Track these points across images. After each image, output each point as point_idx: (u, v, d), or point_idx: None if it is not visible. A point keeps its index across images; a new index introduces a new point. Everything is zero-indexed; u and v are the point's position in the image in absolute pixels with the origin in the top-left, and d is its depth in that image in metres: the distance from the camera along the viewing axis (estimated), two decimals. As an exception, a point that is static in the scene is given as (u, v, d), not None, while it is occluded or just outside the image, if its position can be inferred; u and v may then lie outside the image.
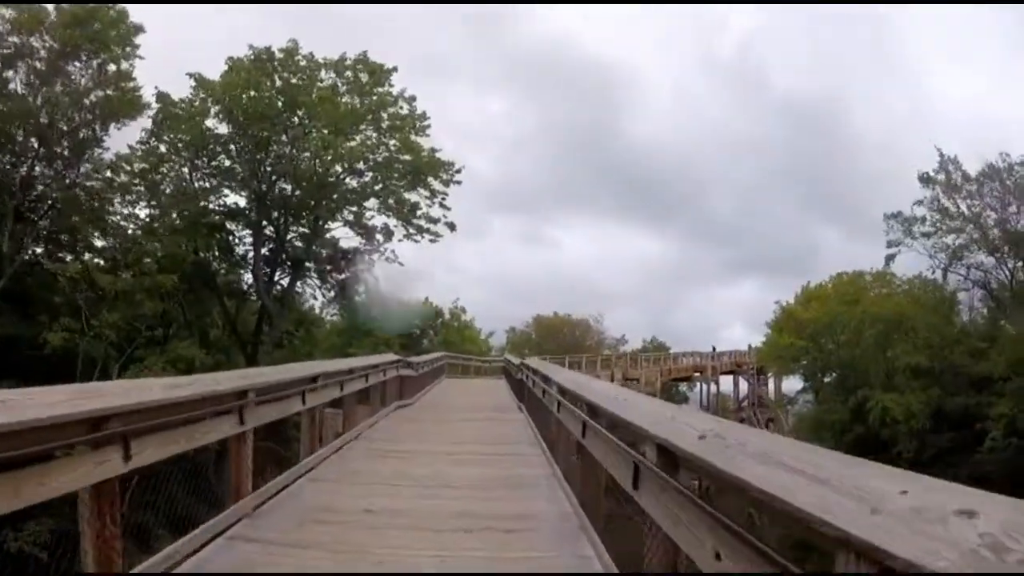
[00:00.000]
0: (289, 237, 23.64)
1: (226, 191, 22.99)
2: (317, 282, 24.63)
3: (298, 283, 24.45)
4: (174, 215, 21.72)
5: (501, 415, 13.16)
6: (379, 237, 24.34)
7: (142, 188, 21.75)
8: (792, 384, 47.34)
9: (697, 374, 47.73)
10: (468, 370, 30.67)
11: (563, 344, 51.87)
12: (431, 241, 25.10)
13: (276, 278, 24.17)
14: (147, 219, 22.04)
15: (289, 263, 23.36)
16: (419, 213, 24.74)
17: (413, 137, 23.70)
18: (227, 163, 22.50)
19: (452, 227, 24.87)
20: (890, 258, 31.57)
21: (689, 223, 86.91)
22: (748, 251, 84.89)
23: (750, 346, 48.64)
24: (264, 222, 23.08)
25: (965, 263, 29.55)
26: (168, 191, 22.25)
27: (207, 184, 22.71)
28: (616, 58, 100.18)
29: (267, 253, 23.88)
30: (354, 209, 23.47)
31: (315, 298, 25.49)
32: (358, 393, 10.08)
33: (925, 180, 29.73)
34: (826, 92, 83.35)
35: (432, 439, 10.05)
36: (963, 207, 29.41)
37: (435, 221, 25.00)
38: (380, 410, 11.93)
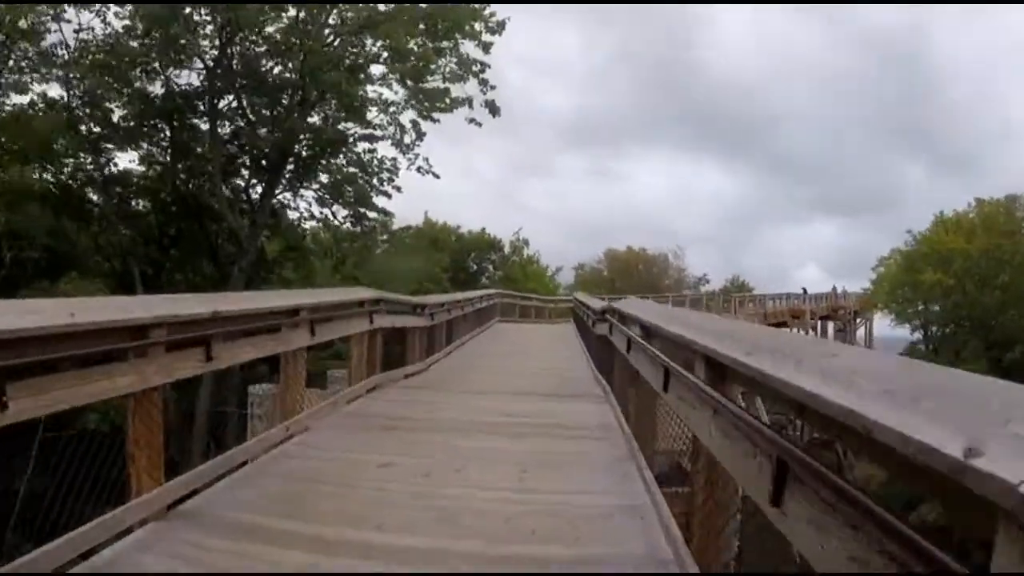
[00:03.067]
0: (261, 131, 17.95)
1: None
2: (314, 193, 18.97)
3: (286, 194, 18.99)
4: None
5: (567, 408, 7.10)
6: (401, 130, 18.54)
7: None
8: (886, 333, 41.15)
9: (794, 319, 41.31)
10: (528, 312, 25.33)
11: (638, 282, 46.11)
12: (471, 121, 18.55)
13: (251, 182, 18.83)
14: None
15: (263, 161, 18.08)
16: (441, 80, 18.14)
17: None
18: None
19: (494, 110, 18.33)
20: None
21: (764, 160, 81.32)
22: (824, 189, 78.98)
23: (834, 288, 42.81)
24: (223, 99, 17.47)
25: None
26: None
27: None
28: None
29: (232, 147, 18.37)
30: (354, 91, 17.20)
31: (316, 217, 19.76)
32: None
33: None
34: (910, 20, 73.69)
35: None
36: None
37: (461, 103, 18.40)
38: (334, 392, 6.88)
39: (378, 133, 18.69)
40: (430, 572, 2.99)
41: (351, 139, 18.26)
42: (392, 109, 18.60)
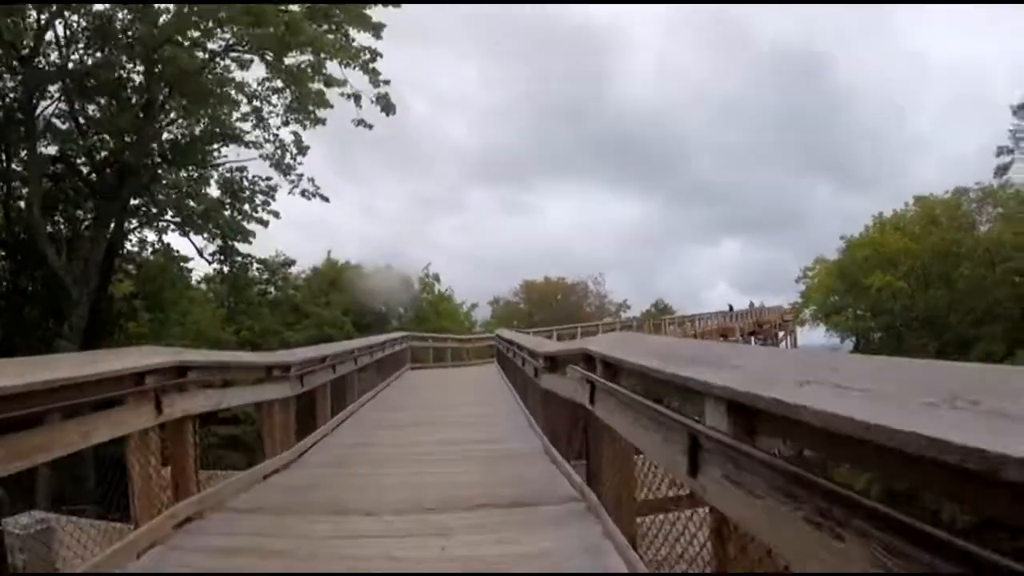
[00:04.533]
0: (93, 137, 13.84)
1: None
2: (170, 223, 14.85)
3: (146, 230, 15.00)
4: None
5: (530, 548, 3.73)
6: (280, 146, 15.05)
7: None
8: (809, 341, 41.24)
9: (722, 337, 40.05)
10: (443, 355, 22.06)
11: (558, 313, 43.73)
12: (359, 123, 15.08)
13: (83, 211, 14.24)
14: None
15: (94, 180, 13.81)
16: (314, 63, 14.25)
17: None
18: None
19: (387, 107, 14.55)
20: (1002, 169, 23.62)
21: (671, 185, 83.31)
22: (731, 210, 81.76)
23: (751, 304, 42.74)
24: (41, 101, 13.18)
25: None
26: None
27: None
28: (596, 19, 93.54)
29: (57, 167, 13.87)
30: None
31: (172, 253, 15.64)
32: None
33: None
34: (809, 44, 78.46)
35: None
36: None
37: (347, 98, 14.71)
38: None
39: (250, 146, 15.16)
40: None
41: (212, 151, 14.56)
42: (267, 113, 15.10)
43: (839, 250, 33.15)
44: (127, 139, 13.08)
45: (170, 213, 15.05)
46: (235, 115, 14.56)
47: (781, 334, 44.37)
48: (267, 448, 6.29)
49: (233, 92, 14.27)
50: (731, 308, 42.72)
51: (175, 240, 15.38)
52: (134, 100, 13.47)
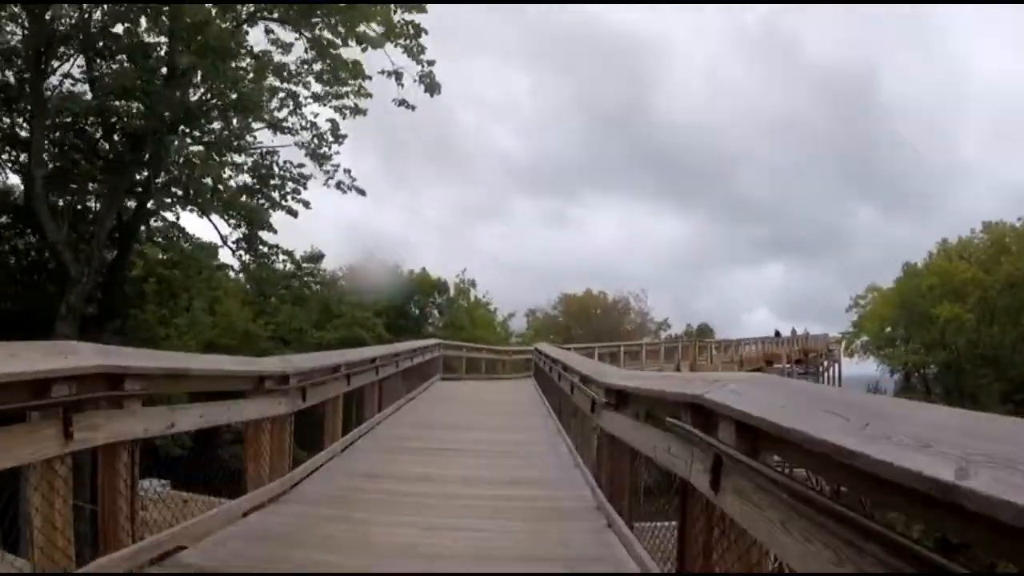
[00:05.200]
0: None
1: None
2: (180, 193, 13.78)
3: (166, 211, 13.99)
4: None
5: None
6: (316, 132, 14.03)
7: None
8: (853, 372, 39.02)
9: (768, 364, 37.99)
10: (476, 366, 20.72)
11: (597, 329, 42.10)
12: (400, 103, 13.86)
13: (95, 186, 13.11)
14: None
15: (108, 147, 12.71)
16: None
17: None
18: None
19: (432, 87, 13.45)
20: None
21: (715, 203, 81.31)
22: (773, 232, 79.19)
23: (793, 331, 39.78)
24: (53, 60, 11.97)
25: None
26: None
27: None
28: (645, 32, 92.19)
29: (68, 134, 12.72)
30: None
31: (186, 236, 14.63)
32: None
33: None
34: (858, 65, 76.02)
35: None
36: None
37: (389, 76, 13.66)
38: None
39: (284, 131, 14.13)
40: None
41: (236, 130, 13.48)
42: (304, 99, 14.05)
43: (896, 279, 31.16)
44: (144, 107, 12.05)
45: (186, 192, 13.93)
46: (264, 93, 13.49)
47: (826, 363, 42.29)
48: (250, 476, 5.06)
49: (261, 66, 13.24)
50: (778, 333, 40.69)
51: (200, 225, 14.51)
52: (154, 65, 12.48)
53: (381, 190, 68.51)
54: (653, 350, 26.17)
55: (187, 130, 12.84)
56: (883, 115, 73.30)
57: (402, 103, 13.77)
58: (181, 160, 13.06)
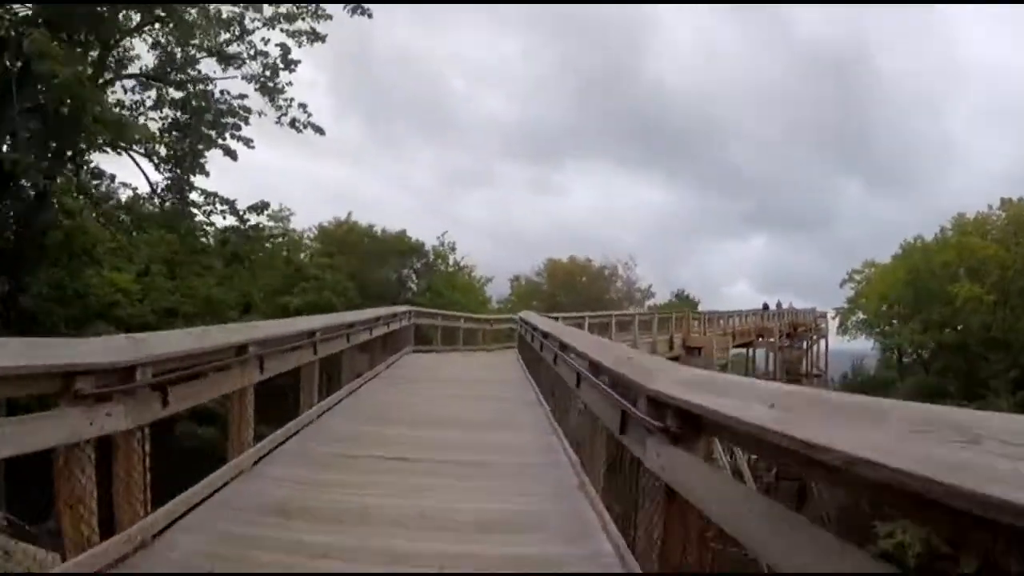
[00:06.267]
0: None
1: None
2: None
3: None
4: None
5: None
6: (264, 61, 11.71)
7: None
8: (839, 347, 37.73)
9: (760, 337, 36.47)
10: (454, 337, 18.60)
11: (582, 297, 40.14)
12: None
13: None
14: None
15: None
16: None
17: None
18: None
19: None
20: None
21: (698, 172, 79.98)
22: (757, 204, 78.10)
23: (779, 304, 39.50)
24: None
25: None
26: None
27: None
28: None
29: None
30: None
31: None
32: None
33: None
34: (848, 41, 74.23)
35: None
36: None
37: None
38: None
39: (228, 51, 11.73)
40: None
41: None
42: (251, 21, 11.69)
43: (893, 256, 29.64)
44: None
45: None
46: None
47: (814, 337, 41.04)
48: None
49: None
50: (766, 307, 39.38)
51: (124, 168, 12.09)
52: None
53: (367, 155, 65.72)
54: (645, 321, 24.28)
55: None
56: (874, 93, 71.70)
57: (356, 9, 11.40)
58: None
